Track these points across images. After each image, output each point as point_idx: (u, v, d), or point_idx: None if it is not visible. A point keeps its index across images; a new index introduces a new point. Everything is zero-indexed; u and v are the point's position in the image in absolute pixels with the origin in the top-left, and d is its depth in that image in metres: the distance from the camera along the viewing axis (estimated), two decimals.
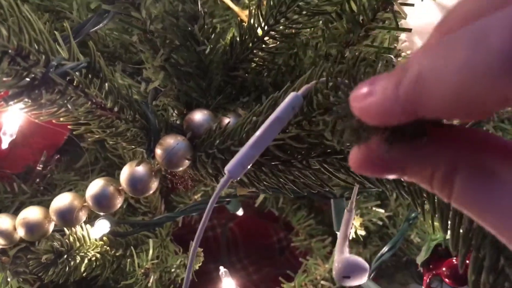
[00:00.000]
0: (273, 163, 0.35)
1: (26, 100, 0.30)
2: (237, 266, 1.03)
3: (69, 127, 0.72)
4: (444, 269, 0.45)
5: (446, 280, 0.45)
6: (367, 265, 0.41)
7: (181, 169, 0.37)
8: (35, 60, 0.29)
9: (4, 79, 0.28)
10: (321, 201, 0.70)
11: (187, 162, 0.36)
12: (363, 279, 0.41)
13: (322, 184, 0.36)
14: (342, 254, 0.41)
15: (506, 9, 0.13)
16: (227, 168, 0.28)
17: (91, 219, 0.52)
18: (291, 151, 0.33)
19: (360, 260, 0.41)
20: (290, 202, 0.75)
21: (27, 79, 0.30)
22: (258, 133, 0.26)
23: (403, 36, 0.50)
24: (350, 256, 0.41)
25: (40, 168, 0.68)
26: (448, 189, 0.17)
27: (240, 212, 0.65)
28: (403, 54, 0.50)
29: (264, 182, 0.37)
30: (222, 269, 0.59)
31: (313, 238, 0.69)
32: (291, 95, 0.28)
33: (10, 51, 0.28)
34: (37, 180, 0.67)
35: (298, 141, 0.32)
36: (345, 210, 0.42)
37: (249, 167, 0.27)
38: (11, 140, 0.47)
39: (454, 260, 0.45)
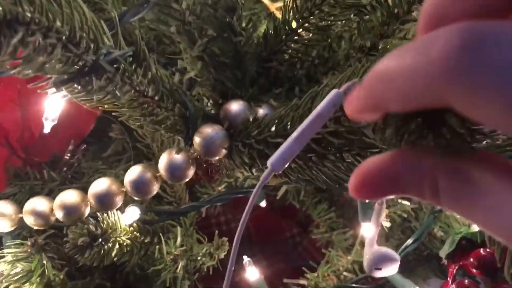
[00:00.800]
0: (308, 155, 0.35)
1: (76, 86, 0.31)
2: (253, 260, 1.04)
3: (96, 114, 0.73)
4: (472, 259, 0.45)
5: (474, 270, 0.45)
6: (398, 257, 0.41)
7: (217, 157, 0.37)
8: (86, 48, 0.30)
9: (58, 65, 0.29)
10: (346, 192, 0.70)
11: (224, 151, 0.37)
12: (394, 270, 0.41)
13: None
14: (372, 247, 0.42)
15: (455, 24, 0.14)
16: (270, 161, 0.29)
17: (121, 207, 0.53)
18: (326, 145, 0.34)
19: (391, 251, 0.42)
20: (311, 195, 0.75)
21: (77, 66, 0.31)
22: (300, 128, 0.27)
23: None
24: (381, 248, 0.42)
25: (67, 157, 0.70)
26: (436, 197, 0.18)
27: (263, 204, 0.65)
28: None
29: (298, 174, 0.38)
30: (245, 258, 0.60)
31: (334, 231, 0.70)
32: (333, 92, 0.28)
33: (63, 37, 0.29)
34: (65, 168, 0.68)
35: (336, 136, 0.32)
36: (376, 203, 0.43)
37: (291, 160, 0.28)
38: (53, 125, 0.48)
39: (481, 251, 0.46)
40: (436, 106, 0.15)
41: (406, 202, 0.55)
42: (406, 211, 0.56)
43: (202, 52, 0.41)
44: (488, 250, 0.47)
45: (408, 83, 0.15)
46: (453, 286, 0.44)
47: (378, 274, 0.43)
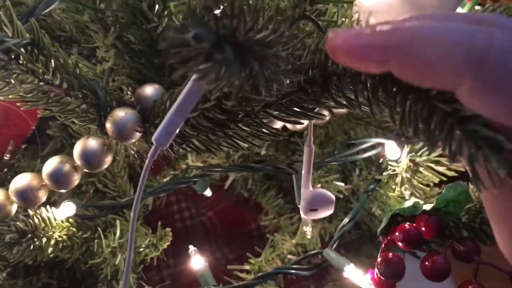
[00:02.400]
0: (220, 125, 0.36)
1: None
2: (218, 255, 1.05)
3: (37, 115, 0.72)
4: (397, 233, 0.46)
5: (400, 244, 0.47)
6: (333, 197, 0.42)
7: (133, 141, 0.38)
8: None
9: None
10: (284, 177, 0.71)
11: (137, 134, 0.37)
12: (330, 210, 0.42)
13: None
14: (307, 189, 0.43)
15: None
16: (153, 138, 0.29)
17: (57, 203, 0.53)
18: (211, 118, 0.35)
19: (325, 192, 0.43)
20: (260, 183, 0.76)
21: None
22: (177, 101, 0.28)
23: (357, 16, 0.51)
24: (315, 190, 0.43)
25: (7, 158, 0.68)
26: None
27: (208, 193, 0.66)
28: None
29: (220, 146, 0.39)
30: (191, 247, 0.60)
31: (282, 217, 0.70)
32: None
33: None
34: (5, 170, 0.67)
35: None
36: (305, 146, 0.43)
37: (175, 133, 0.29)
38: None
39: (406, 225, 0.47)
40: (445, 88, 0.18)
41: (340, 183, 0.56)
42: (340, 192, 0.57)
43: (116, 40, 0.41)
44: (413, 223, 0.48)
45: (443, 61, 0.18)
46: (379, 259, 0.45)
47: (314, 215, 0.44)
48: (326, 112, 0.33)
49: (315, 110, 0.33)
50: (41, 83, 0.34)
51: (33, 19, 0.32)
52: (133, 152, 0.42)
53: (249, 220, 1.08)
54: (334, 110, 0.33)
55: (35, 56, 0.33)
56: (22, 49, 0.32)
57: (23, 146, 0.69)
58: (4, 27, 0.33)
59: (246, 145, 0.38)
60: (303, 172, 0.46)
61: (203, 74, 0.22)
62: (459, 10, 0.66)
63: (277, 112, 0.34)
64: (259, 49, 0.22)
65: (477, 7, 0.66)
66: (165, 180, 0.68)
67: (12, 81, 0.32)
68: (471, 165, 0.19)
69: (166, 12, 0.43)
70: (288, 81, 0.28)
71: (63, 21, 0.50)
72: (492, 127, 0.19)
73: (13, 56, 0.32)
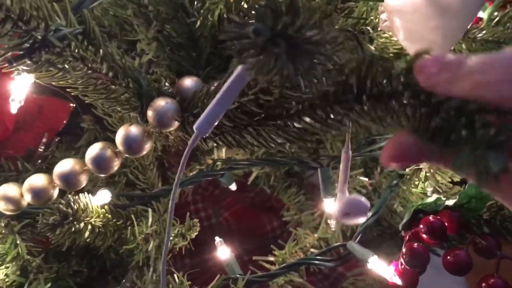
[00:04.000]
0: (256, 120, 0.38)
1: (28, 62, 0.34)
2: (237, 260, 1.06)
3: (70, 109, 0.75)
4: (421, 225, 0.48)
5: (424, 236, 0.48)
6: (367, 203, 0.44)
7: (171, 129, 0.40)
8: (36, 25, 0.33)
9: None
10: (308, 170, 0.73)
11: (176, 123, 0.40)
12: (363, 217, 0.44)
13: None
14: (343, 194, 0.44)
15: None
16: (195, 126, 0.31)
17: (92, 190, 0.55)
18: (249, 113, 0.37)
19: (360, 198, 0.44)
20: (281, 180, 0.78)
21: (28, 44, 0.33)
22: (219, 94, 0.30)
23: (383, 16, 0.53)
24: (351, 196, 0.44)
25: (41, 150, 0.72)
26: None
27: (233, 187, 0.68)
28: (384, 34, 0.53)
29: (252, 144, 0.40)
30: (217, 239, 0.62)
31: (303, 212, 0.72)
32: (241, 66, 0.31)
33: (12, 15, 0.31)
34: (39, 161, 0.70)
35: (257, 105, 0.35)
36: (342, 152, 0.45)
37: (216, 123, 0.31)
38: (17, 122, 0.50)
39: (430, 217, 0.48)
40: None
41: (364, 178, 0.58)
42: (364, 186, 0.58)
43: (158, 33, 0.44)
44: (437, 216, 0.49)
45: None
46: (404, 250, 0.47)
47: (348, 220, 0.45)
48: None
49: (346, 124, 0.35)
50: (90, 71, 0.37)
51: (86, 11, 0.35)
52: (168, 141, 0.44)
53: (265, 222, 1.09)
54: None
55: (86, 45, 0.36)
56: (74, 38, 0.35)
57: (57, 139, 0.72)
58: (57, 17, 0.35)
59: (276, 146, 0.40)
60: (340, 177, 0.47)
61: (257, 66, 0.24)
62: (480, 13, 0.67)
63: (310, 119, 0.36)
64: (309, 47, 0.24)
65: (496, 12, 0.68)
66: (191, 174, 0.70)
67: (66, 66, 0.34)
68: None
69: (204, 8, 0.45)
70: (325, 81, 0.29)
71: (103, 16, 0.53)
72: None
73: (66, 44, 0.34)
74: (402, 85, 0.29)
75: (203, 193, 1.13)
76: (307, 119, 0.36)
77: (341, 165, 0.44)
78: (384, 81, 0.30)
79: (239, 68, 0.31)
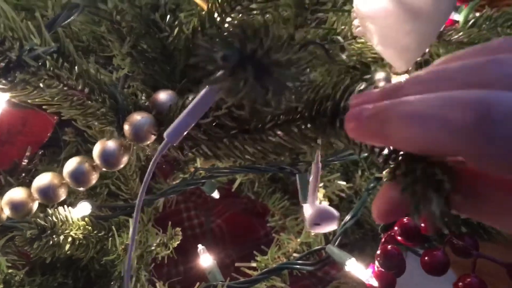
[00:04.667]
0: (230, 133, 0.39)
1: (3, 81, 0.34)
2: (226, 261, 1.07)
3: (53, 122, 0.75)
4: (396, 228, 0.49)
5: (399, 238, 0.49)
6: (336, 213, 0.45)
7: (148, 142, 0.41)
8: (10, 45, 0.33)
9: None
10: (289, 180, 0.74)
11: (153, 137, 0.41)
12: (333, 226, 0.45)
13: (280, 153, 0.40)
14: (313, 204, 0.46)
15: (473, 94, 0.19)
16: (165, 134, 0.33)
17: (73, 202, 0.56)
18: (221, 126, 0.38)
19: (329, 208, 0.46)
20: (266, 186, 0.79)
21: (2, 64, 0.34)
22: (191, 104, 0.31)
23: (356, 22, 0.54)
24: (321, 205, 0.46)
25: (25, 163, 0.72)
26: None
27: (216, 195, 0.69)
28: (359, 39, 0.54)
29: (228, 156, 0.42)
30: (200, 246, 0.63)
31: (287, 218, 0.73)
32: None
33: None
34: (23, 174, 0.71)
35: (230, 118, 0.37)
36: (313, 164, 0.46)
37: (185, 133, 0.32)
38: None
39: (404, 219, 0.50)
40: (448, 155, 0.20)
41: (342, 182, 0.59)
42: (342, 190, 0.60)
43: (131, 49, 0.44)
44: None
45: (435, 134, 0.19)
46: (378, 251, 0.48)
47: (317, 229, 0.47)
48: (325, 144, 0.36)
49: (317, 141, 0.36)
50: (65, 88, 0.38)
51: (60, 29, 0.36)
52: (146, 153, 0.45)
53: (257, 227, 1.10)
54: None
55: (61, 63, 0.37)
56: (49, 56, 0.36)
57: (40, 152, 0.73)
58: (32, 36, 0.36)
59: (251, 158, 0.41)
60: (310, 187, 0.48)
61: (224, 88, 0.25)
62: (456, 16, 0.69)
63: (283, 134, 0.37)
64: (275, 70, 0.25)
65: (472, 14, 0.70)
66: (175, 183, 0.71)
67: (41, 85, 0.35)
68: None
69: (177, 23, 0.46)
70: (295, 100, 0.30)
71: (80, 32, 0.54)
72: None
73: (41, 63, 0.35)
74: None
75: (196, 200, 1.14)
76: (281, 134, 0.37)
77: (311, 176, 0.45)
78: None
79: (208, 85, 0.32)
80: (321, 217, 0.45)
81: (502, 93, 0.18)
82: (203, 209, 1.13)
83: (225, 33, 0.24)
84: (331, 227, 0.45)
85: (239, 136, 0.39)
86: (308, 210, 0.48)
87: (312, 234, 0.60)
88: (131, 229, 0.57)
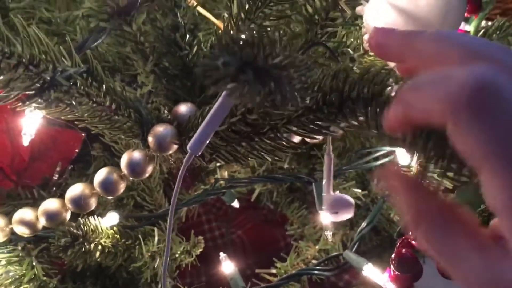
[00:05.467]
0: (246, 138, 0.42)
1: (39, 100, 0.38)
2: (247, 272, 1.09)
3: (81, 139, 0.80)
4: (410, 232, 0.50)
5: (414, 242, 0.50)
6: (352, 201, 0.47)
7: (170, 152, 0.44)
8: (44, 67, 0.37)
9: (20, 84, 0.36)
10: (307, 189, 0.76)
11: (175, 146, 0.44)
12: (349, 213, 0.47)
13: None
14: (329, 194, 0.48)
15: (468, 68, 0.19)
16: (188, 146, 0.35)
17: (102, 213, 0.59)
18: (238, 130, 0.41)
19: (346, 196, 0.48)
20: (284, 196, 0.81)
21: (38, 84, 0.38)
22: (208, 116, 0.34)
23: (366, 37, 0.56)
24: (336, 194, 0.48)
25: (56, 178, 0.76)
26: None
27: (236, 205, 0.71)
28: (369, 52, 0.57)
29: (247, 157, 0.44)
30: (222, 254, 0.65)
31: (306, 226, 0.75)
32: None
33: (24, 60, 0.36)
34: (54, 188, 0.75)
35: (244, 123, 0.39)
36: (325, 155, 0.49)
37: (206, 142, 0.35)
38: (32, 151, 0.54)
39: None
40: (440, 124, 0.20)
41: (357, 190, 0.61)
42: (358, 198, 0.61)
43: (154, 67, 0.48)
44: None
45: (429, 103, 0.20)
46: (393, 255, 0.50)
47: (336, 218, 0.49)
48: (339, 131, 0.39)
49: (330, 129, 0.39)
50: (94, 105, 0.41)
51: (89, 51, 0.39)
52: (170, 163, 0.48)
53: (278, 238, 1.11)
54: None
55: (90, 82, 0.40)
56: (79, 76, 0.39)
57: (70, 167, 0.77)
58: (63, 59, 0.40)
59: (269, 157, 0.44)
60: (324, 178, 0.51)
61: (230, 92, 0.28)
62: (466, 27, 0.71)
63: (296, 128, 0.40)
64: (275, 72, 0.28)
65: (483, 23, 0.71)
66: (196, 194, 0.74)
67: (73, 102, 0.38)
68: None
69: (195, 41, 0.49)
70: (300, 98, 0.33)
71: (107, 53, 0.58)
72: None
73: (72, 82, 0.39)
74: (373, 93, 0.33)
75: (217, 212, 1.17)
76: (294, 128, 0.40)
77: (324, 166, 0.48)
78: (361, 87, 0.34)
79: (224, 93, 0.35)
80: (338, 206, 0.48)
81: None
82: (224, 221, 1.16)
83: (226, 41, 0.27)
84: (348, 214, 0.48)
85: (255, 138, 0.42)
86: (325, 215, 0.50)
87: (330, 241, 0.62)
88: (167, 231, 0.60)
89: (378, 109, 0.33)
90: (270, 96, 0.29)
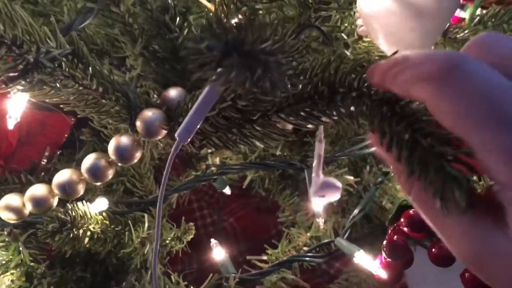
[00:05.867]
0: (237, 123, 0.41)
1: (23, 82, 0.37)
2: (239, 259, 1.09)
3: (70, 124, 0.78)
4: (402, 219, 0.50)
5: (405, 229, 0.50)
6: (339, 184, 0.47)
7: (159, 137, 0.43)
8: (28, 48, 0.36)
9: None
10: (298, 173, 0.75)
11: (164, 132, 0.43)
12: (336, 196, 0.47)
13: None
14: (318, 177, 0.48)
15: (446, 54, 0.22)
16: (176, 134, 0.34)
17: (91, 199, 0.58)
18: (228, 117, 0.40)
19: (333, 180, 0.48)
20: (276, 183, 0.81)
21: (21, 66, 0.36)
22: (196, 104, 0.33)
23: (360, 21, 0.55)
24: (325, 178, 0.48)
25: (44, 163, 0.75)
26: (408, 189, 0.25)
27: (227, 191, 0.70)
28: (366, 38, 0.56)
29: (238, 144, 0.44)
30: (213, 241, 0.65)
31: (297, 213, 0.75)
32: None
33: (6, 41, 0.34)
34: (42, 173, 0.74)
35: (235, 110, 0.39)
36: (316, 140, 0.48)
37: (195, 130, 0.34)
38: (19, 138, 0.53)
39: (410, 211, 0.51)
40: (418, 99, 0.23)
41: (349, 177, 0.60)
42: (351, 185, 0.61)
43: (143, 49, 0.47)
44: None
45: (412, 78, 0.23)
46: (384, 242, 0.49)
47: (322, 201, 0.49)
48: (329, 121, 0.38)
49: (322, 119, 0.38)
50: (81, 88, 0.40)
51: (74, 32, 0.38)
52: (159, 152, 0.47)
53: (269, 226, 1.11)
54: None
55: (75, 64, 0.39)
56: (64, 58, 0.38)
57: (58, 152, 0.76)
58: (48, 40, 0.38)
59: (260, 144, 0.43)
60: (314, 162, 0.51)
61: (216, 77, 0.27)
62: (461, 13, 0.70)
63: (288, 116, 0.39)
64: (262, 57, 0.27)
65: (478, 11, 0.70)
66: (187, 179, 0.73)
67: (58, 85, 0.37)
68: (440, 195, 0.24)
69: (186, 24, 0.48)
70: (290, 85, 0.32)
71: (95, 35, 0.56)
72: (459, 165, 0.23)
73: (57, 64, 0.38)
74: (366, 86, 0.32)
75: (209, 200, 1.16)
76: (285, 116, 0.39)
77: (315, 151, 0.47)
78: (352, 78, 0.33)
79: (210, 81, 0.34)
80: (325, 189, 0.47)
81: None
82: (215, 208, 1.15)
83: (212, 25, 0.25)
84: (335, 197, 0.48)
85: (246, 125, 0.41)
86: (314, 200, 0.50)
87: (322, 228, 0.61)
88: (156, 218, 0.60)
89: (368, 105, 0.32)
90: (258, 82, 0.28)
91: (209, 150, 0.74)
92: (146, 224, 0.59)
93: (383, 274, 0.52)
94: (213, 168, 0.68)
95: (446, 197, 0.23)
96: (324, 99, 0.35)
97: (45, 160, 0.75)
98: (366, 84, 0.32)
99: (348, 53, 0.51)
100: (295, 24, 0.47)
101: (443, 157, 0.23)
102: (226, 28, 0.25)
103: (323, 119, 0.38)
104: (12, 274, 0.54)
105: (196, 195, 1.17)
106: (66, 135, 0.80)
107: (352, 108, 0.34)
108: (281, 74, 0.29)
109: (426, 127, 0.25)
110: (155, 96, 0.49)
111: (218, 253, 0.63)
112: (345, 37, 0.50)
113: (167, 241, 0.62)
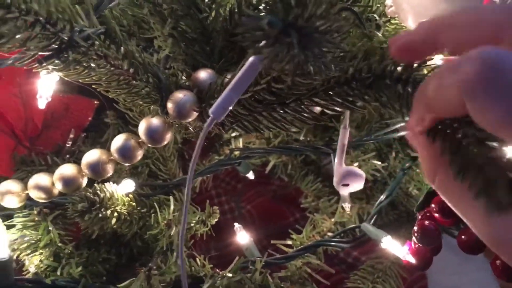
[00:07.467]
0: (268, 107, 0.40)
1: (57, 61, 0.37)
2: (258, 246, 1.09)
3: (94, 107, 0.79)
4: (432, 205, 0.49)
5: (436, 215, 0.49)
6: (363, 173, 0.46)
7: (190, 119, 0.42)
8: (62, 27, 0.36)
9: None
10: (324, 159, 0.75)
11: (195, 114, 0.42)
12: (360, 185, 0.46)
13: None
14: (340, 166, 0.47)
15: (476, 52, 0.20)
16: (210, 110, 0.34)
17: (117, 181, 0.59)
18: (261, 99, 0.39)
19: (356, 169, 0.47)
20: (299, 169, 0.80)
21: (55, 44, 0.36)
22: (234, 80, 0.32)
23: (389, 1, 0.54)
24: (347, 167, 0.47)
25: (69, 145, 0.76)
26: (432, 176, 0.25)
27: (251, 176, 0.70)
28: (394, 20, 0.54)
29: (268, 127, 0.43)
30: (236, 225, 0.65)
31: (320, 199, 0.74)
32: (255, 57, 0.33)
33: (41, 18, 0.34)
34: (67, 156, 0.74)
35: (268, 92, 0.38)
36: (341, 128, 0.48)
37: (230, 107, 0.33)
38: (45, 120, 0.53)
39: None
40: (460, 113, 0.21)
41: (376, 162, 0.59)
42: (377, 170, 0.60)
43: (173, 30, 0.46)
44: None
45: (444, 95, 0.21)
46: (415, 227, 0.49)
47: (346, 190, 0.48)
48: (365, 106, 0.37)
49: (357, 104, 0.37)
50: (112, 68, 0.40)
51: (107, 11, 0.38)
52: (183, 135, 0.47)
53: (287, 213, 1.11)
54: None
55: (108, 44, 0.39)
56: (97, 37, 0.38)
57: (83, 135, 0.76)
58: (80, 19, 0.38)
59: (291, 128, 0.42)
60: (337, 150, 0.50)
61: (269, 54, 0.26)
62: None
63: (321, 100, 0.38)
64: (317, 35, 0.26)
65: None
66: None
67: (92, 65, 0.37)
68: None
69: (214, 4, 0.47)
70: (334, 67, 0.31)
71: (121, 16, 0.56)
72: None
73: (90, 43, 0.37)
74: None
75: (226, 187, 1.17)
76: (319, 100, 0.38)
77: (339, 138, 0.47)
78: (390, 66, 0.32)
79: (252, 57, 0.33)
80: (349, 178, 0.47)
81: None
82: (233, 195, 1.15)
83: (268, 2, 0.25)
84: (359, 186, 0.47)
85: (278, 108, 0.40)
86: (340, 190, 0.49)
87: (347, 213, 0.61)
88: (185, 200, 0.60)
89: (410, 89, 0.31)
90: (307, 63, 0.27)
91: (233, 134, 0.74)
92: (172, 207, 0.59)
93: (411, 259, 0.51)
94: (236, 153, 0.67)
95: (490, 196, 0.22)
96: (365, 85, 0.34)
97: (70, 143, 0.75)
98: (413, 74, 0.31)
99: (380, 34, 0.50)
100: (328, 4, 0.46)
101: (486, 156, 0.22)
102: (286, 3, 0.24)
103: (359, 103, 0.37)
104: (41, 253, 0.55)
105: (213, 182, 1.17)
106: (90, 118, 0.80)
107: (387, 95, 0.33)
108: (331, 56, 0.28)
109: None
110: (183, 78, 0.48)
111: (242, 237, 0.63)
112: (377, 17, 0.49)
113: (192, 224, 0.62)
